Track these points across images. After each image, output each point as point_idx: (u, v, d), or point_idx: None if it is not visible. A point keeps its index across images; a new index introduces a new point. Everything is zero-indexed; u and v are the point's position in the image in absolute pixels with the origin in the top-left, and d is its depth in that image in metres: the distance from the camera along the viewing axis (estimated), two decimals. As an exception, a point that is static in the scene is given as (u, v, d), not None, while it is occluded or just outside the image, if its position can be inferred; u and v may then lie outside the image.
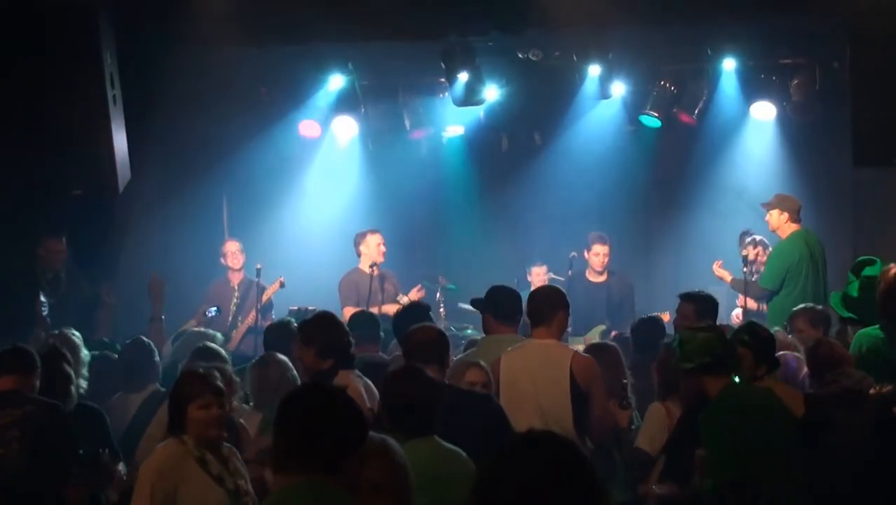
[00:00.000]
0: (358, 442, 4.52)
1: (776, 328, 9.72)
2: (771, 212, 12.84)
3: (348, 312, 12.25)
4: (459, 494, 6.07)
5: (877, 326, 8.64)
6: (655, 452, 8.02)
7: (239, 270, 14.02)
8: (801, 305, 10.78)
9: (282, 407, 4.63)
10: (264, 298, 13.49)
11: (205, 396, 6.52)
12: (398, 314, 9.92)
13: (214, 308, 13.04)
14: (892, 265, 8.81)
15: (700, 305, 9.66)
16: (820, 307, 10.66)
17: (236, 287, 13.89)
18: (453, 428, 6.39)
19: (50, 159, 10.85)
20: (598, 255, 13.98)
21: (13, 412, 7.47)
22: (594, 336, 12.97)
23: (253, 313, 13.40)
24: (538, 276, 14.46)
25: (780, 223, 12.80)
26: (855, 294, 9.20)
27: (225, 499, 6.43)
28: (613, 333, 12.79)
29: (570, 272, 14.05)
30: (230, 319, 13.64)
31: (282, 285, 13.55)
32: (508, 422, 7.39)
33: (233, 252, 14.01)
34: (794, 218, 12.76)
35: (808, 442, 7.14)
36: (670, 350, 8.47)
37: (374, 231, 13.87)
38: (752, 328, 8.04)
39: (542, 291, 8.93)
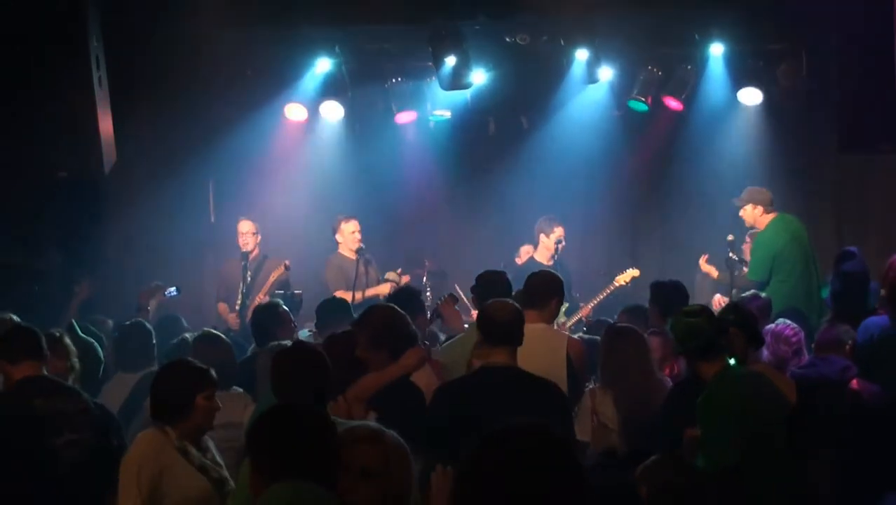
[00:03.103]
0: (334, 455, 4.68)
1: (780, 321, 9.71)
2: (745, 207, 12.86)
3: (340, 295, 12.27)
4: None
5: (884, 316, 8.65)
6: (586, 438, 8.13)
7: (252, 250, 13.89)
8: (750, 293, 10.79)
9: (260, 425, 4.82)
10: (269, 281, 13.44)
11: (210, 387, 6.54)
12: (392, 297, 9.92)
13: (174, 288, 12.89)
14: None
15: (662, 304, 9.65)
16: (763, 294, 10.65)
17: (248, 266, 13.76)
18: (514, 411, 6.40)
19: (36, 141, 10.84)
20: (560, 236, 13.94)
21: (81, 399, 7.55)
22: (560, 315, 13.01)
23: (260, 295, 13.35)
24: (528, 253, 14.47)
25: (756, 217, 12.82)
26: (838, 288, 9.24)
27: (209, 488, 6.41)
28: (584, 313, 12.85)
29: (556, 256, 14.04)
30: (238, 298, 13.55)
31: (286, 269, 13.48)
32: (570, 409, 7.39)
33: (242, 233, 13.87)
34: (768, 209, 12.77)
35: (798, 429, 7.16)
36: (611, 336, 8.58)
37: (348, 218, 13.87)
38: (736, 307, 8.07)
39: (541, 274, 8.90)
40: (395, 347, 7.32)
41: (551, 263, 13.63)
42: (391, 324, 7.44)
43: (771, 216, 12.74)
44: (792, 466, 6.97)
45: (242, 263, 13.56)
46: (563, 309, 12.72)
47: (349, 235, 13.74)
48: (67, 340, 8.31)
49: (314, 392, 6.25)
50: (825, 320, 9.59)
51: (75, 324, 9.33)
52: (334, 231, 13.86)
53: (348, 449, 4.77)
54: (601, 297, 13.21)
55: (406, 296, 9.76)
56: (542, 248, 13.96)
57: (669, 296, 9.61)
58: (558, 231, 13.94)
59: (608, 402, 8.26)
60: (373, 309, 7.79)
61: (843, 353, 8.51)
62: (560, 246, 13.87)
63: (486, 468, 3.60)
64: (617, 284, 13.30)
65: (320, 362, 6.53)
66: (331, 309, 10.33)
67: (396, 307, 7.84)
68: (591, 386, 8.62)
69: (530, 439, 3.63)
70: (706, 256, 13.43)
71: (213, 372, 6.63)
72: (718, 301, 12.89)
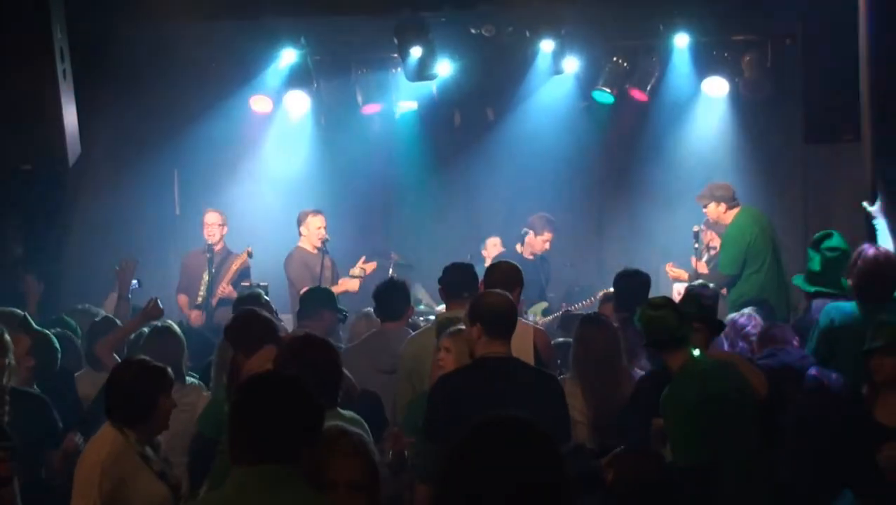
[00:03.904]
0: (316, 430, 4.54)
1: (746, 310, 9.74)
2: (708, 205, 12.88)
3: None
4: None
5: (850, 301, 8.69)
6: None
7: (217, 242, 13.81)
8: (699, 283, 10.78)
9: (237, 398, 4.60)
10: (231, 270, 13.37)
11: (170, 386, 6.45)
12: (383, 289, 9.88)
13: (136, 281, 12.80)
14: (867, 245, 8.88)
15: (623, 294, 9.68)
16: (711, 285, 10.65)
17: (213, 259, 13.63)
18: (515, 403, 6.39)
19: (-1, 134, 10.77)
20: (547, 241, 14.06)
21: None
22: (536, 312, 13.03)
23: (223, 285, 13.28)
24: (494, 246, 14.49)
25: (719, 213, 12.82)
26: (817, 268, 9.26)
27: (169, 494, 6.30)
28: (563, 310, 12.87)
29: (520, 247, 14.09)
30: (200, 291, 13.47)
31: (249, 255, 13.42)
32: (566, 402, 7.41)
33: (209, 224, 13.79)
34: (731, 204, 12.78)
35: (770, 421, 7.17)
36: (584, 325, 8.61)
37: (315, 212, 13.75)
38: (697, 299, 8.07)
39: (500, 266, 8.86)
40: (249, 348, 7.31)
41: (533, 258, 13.74)
42: (246, 328, 7.53)
43: (735, 210, 12.76)
44: (764, 458, 6.98)
45: (208, 256, 13.49)
46: (540, 309, 12.81)
47: (314, 230, 13.63)
48: (6, 337, 7.79)
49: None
50: (801, 307, 9.64)
51: (29, 317, 9.17)
52: (299, 223, 13.79)
53: (337, 464, 4.72)
54: (578, 305, 13.26)
55: (392, 288, 9.78)
56: (527, 245, 14.04)
57: (630, 286, 9.64)
58: (545, 234, 14.01)
59: (577, 393, 8.26)
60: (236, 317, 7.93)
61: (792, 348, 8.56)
62: (546, 246, 13.97)
63: (469, 462, 3.61)
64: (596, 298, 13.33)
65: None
66: (315, 299, 10.33)
67: (257, 311, 7.90)
68: (562, 377, 8.63)
69: (513, 431, 3.65)
70: (672, 264, 13.46)
71: (169, 370, 6.54)
72: (679, 292, 12.95)
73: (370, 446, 4.86)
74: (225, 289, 13.12)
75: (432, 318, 10.20)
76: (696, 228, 13.21)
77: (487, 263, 13.54)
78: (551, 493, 3.61)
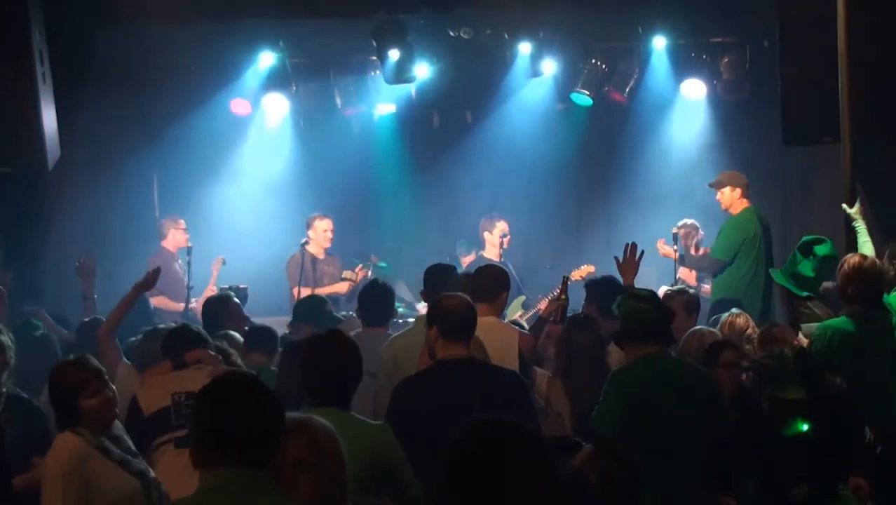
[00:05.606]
0: (279, 428, 4.43)
1: (735, 311, 9.70)
2: (722, 190, 12.87)
3: (297, 293, 12.75)
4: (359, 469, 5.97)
5: (841, 317, 8.68)
6: None
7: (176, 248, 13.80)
8: (678, 287, 10.75)
9: (198, 400, 4.49)
10: (214, 275, 13.37)
11: (91, 383, 6.25)
12: (371, 294, 9.86)
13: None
14: (854, 254, 8.91)
15: (600, 301, 9.69)
16: (692, 290, 10.62)
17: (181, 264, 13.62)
18: (477, 403, 6.40)
19: (-22, 137, 10.77)
20: (504, 231, 14.07)
21: None
22: (516, 307, 13.03)
23: (211, 287, 13.25)
24: (469, 261, 14.50)
25: (733, 200, 12.81)
26: (811, 273, 9.26)
27: (137, 483, 6.24)
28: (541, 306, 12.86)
29: (503, 251, 14.09)
30: (186, 293, 13.41)
31: (222, 263, 13.43)
32: (531, 398, 7.41)
33: (185, 230, 13.80)
34: (746, 193, 12.82)
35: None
36: (572, 326, 8.66)
37: (322, 216, 13.94)
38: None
39: (490, 268, 8.92)
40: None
41: (500, 259, 13.70)
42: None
43: (746, 203, 12.79)
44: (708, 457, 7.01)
45: (188, 259, 13.48)
46: (520, 302, 12.84)
47: (321, 233, 13.80)
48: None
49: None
50: (791, 308, 9.65)
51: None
52: (307, 227, 13.83)
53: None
54: (557, 291, 13.24)
55: (381, 294, 9.75)
56: (490, 246, 14.04)
57: (606, 292, 9.63)
58: (500, 225, 14.03)
59: (561, 390, 8.31)
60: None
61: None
62: (505, 240, 13.93)
63: (472, 467, 3.62)
64: (573, 280, 13.33)
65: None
66: (297, 311, 10.33)
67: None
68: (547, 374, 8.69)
69: (511, 435, 3.66)
70: (663, 240, 13.42)
71: (92, 364, 6.36)
72: (664, 293, 12.96)
73: (316, 424, 4.70)
74: (213, 290, 13.15)
75: (412, 320, 10.17)
76: (675, 230, 13.23)
77: (463, 265, 13.59)
78: (549, 494, 3.62)
